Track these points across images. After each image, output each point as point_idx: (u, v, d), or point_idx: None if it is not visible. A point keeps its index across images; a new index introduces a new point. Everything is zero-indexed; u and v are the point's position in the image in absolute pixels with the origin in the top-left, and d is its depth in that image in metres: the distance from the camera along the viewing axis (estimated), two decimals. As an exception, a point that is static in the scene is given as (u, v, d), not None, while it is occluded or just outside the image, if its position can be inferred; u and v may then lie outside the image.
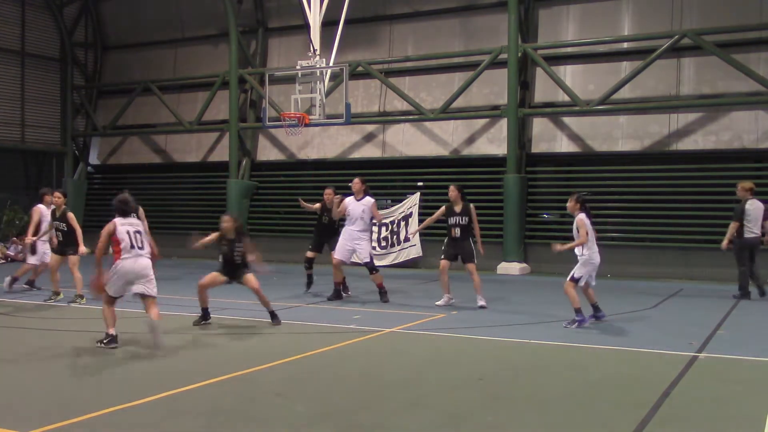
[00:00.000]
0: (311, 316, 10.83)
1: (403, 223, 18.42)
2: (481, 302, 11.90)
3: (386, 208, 19.17)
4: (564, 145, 18.21)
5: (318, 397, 6.45)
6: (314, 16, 16.09)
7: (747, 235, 12.77)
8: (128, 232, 8.61)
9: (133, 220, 8.88)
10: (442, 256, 11.95)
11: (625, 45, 17.76)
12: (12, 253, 20.35)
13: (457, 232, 12.00)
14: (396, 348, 8.78)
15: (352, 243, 12.40)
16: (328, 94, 16.56)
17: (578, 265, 9.95)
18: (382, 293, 12.44)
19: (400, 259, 18.41)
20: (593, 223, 10.10)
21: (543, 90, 18.41)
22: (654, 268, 16.72)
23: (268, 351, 8.42)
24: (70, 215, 12.23)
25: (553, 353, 8.46)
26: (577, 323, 9.85)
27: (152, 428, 5.59)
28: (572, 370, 7.63)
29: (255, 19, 21.76)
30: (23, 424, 5.52)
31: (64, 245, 12.20)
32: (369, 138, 20.26)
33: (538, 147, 18.47)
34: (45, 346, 8.80)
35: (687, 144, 17.02)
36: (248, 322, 10.47)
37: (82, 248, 12.02)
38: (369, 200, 12.50)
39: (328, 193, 13.18)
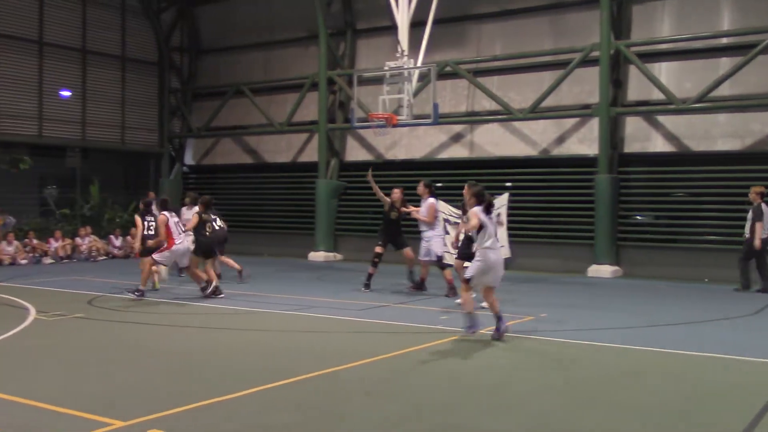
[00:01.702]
0: (399, 316, 10.86)
1: (490, 224, 18.23)
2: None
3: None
4: (659, 145, 17.65)
5: (406, 397, 6.47)
6: (402, 17, 16.13)
7: (763, 236, 14.00)
8: (175, 224, 12.61)
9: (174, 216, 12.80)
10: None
11: (725, 40, 17.05)
12: (114, 250, 21.19)
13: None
14: (484, 350, 8.71)
15: (423, 242, 13.11)
16: (415, 94, 16.57)
17: (471, 263, 9.16)
18: (449, 289, 12.77)
19: (488, 260, 18.22)
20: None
21: (636, 88, 17.89)
22: (755, 273, 15.97)
23: (355, 349, 8.50)
24: None
25: (647, 359, 8.23)
26: (471, 330, 9.13)
27: (248, 421, 5.74)
28: (669, 377, 7.40)
29: (344, 20, 22.00)
30: (125, 414, 5.76)
31: None
32: (456, 138, 20.18)
33: (631, 147, 17.97)
34: (153, 341, 9.16)
35: (792, 143, 16.22)
36: (336, 321, 10.59)
37: None
38: (426, 202, 13.16)
39: (396, 192, 13.90)
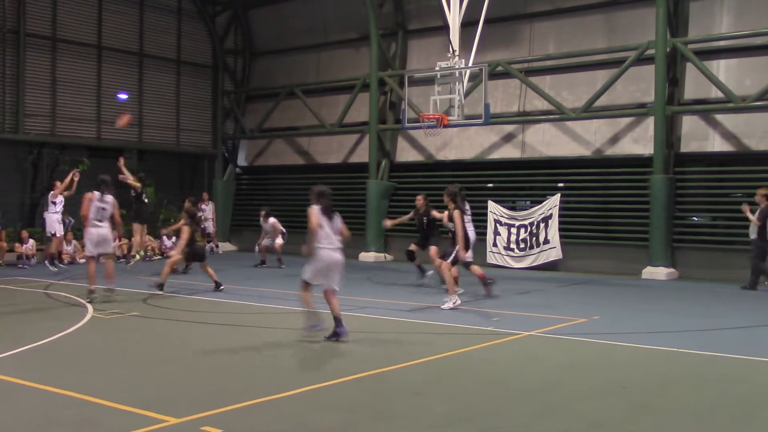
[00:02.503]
0: (449, 317, 10.82)
1: (542, 225, 18.07)
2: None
3: (524, 209, 18.90)
4: (717, 144, 17.22)
5: (456, 399, 6.44)
6: (453, 17, 16.06)
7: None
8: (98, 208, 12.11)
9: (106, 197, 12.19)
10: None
11: (787, 36, 16.57)
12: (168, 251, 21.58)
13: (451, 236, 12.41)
14: (535, 352, 8.63)
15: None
16: (467, 94, 16.47)
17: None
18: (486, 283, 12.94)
19: (539, 262, 18.08)
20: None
21: (694, 86, 17.49)
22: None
23: (405, 350, 8.50)
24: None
25: (704, 363, 8.04)
26: (313, 328, 9.03)
27: (297, 420, 5.78)
28: (727, 382, 7.22)
29: (395, 21, 22.02)
30: (179, 411, 5.86)
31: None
32: (508, 138, 20.00)
33: (688, 146, 17.57)
34: (207, 340, 9.31)
35: None
36: (385, 321, 10.60)
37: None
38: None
39: (419, 199, 14.54)
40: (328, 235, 8.90)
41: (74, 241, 19.62)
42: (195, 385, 6.92)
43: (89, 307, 11.37)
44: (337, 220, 9.05)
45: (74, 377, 7.11)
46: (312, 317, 9.08)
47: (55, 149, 22.07)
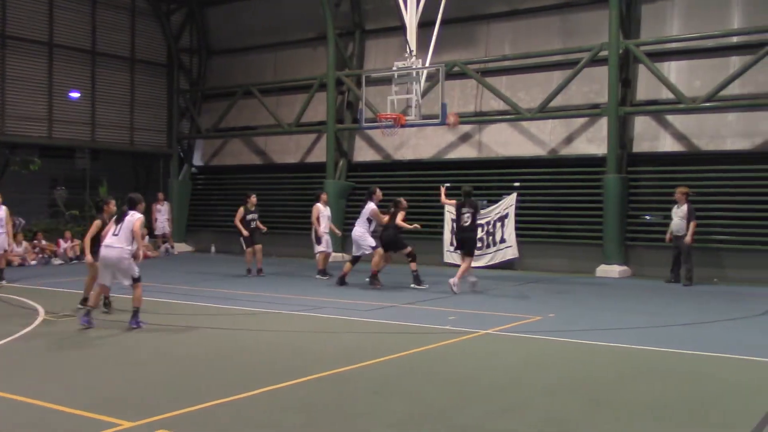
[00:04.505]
0: (406, 316, 10.86)
1: (498, 224, 18.22)
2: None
3: (482, 209, 19.01)
4: (668, 144, 17.57)
5: (414, 397, 6.46)
6: (411, 17, 16.10)
7: (680, 234, 15.57)
8: None
9: None
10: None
11: (735, 39, 16.94)
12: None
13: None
14: (491, 350, 8.70)
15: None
16: (424, 94, 16.54)
17: None
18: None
19: (496, 261, 18.21)
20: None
21: (645, 87, 17.83)
22: (765, 273, 15.90)
23: (363, 350, 8.50)
24: None
25: (657, 359, 8.19)
26: (84, 321, 9.83)
27: (257, 421, 5.74)
28: (679, 377, 7.37)
29: (352, 21, 21.99)
30: (133, 414, 5.77)
31: None
32: (465, 138, 20.14)
33: (640, 146, 17.90)
34: (162, 342, 9.19)
35: (802, 142, 16.11)
36: (343, 321, 10.59)
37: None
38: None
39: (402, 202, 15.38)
40: (108, 237, 10.01)
41: (24, 243, 19.18)
42: (149, 387, 6.82)
43: (40, 309, 11.13)
44: (126, 222, 9.94)
45: (25, 381, 6.96)
46: (90, 312, 9.93)
47: (5, 149, 21.54)
